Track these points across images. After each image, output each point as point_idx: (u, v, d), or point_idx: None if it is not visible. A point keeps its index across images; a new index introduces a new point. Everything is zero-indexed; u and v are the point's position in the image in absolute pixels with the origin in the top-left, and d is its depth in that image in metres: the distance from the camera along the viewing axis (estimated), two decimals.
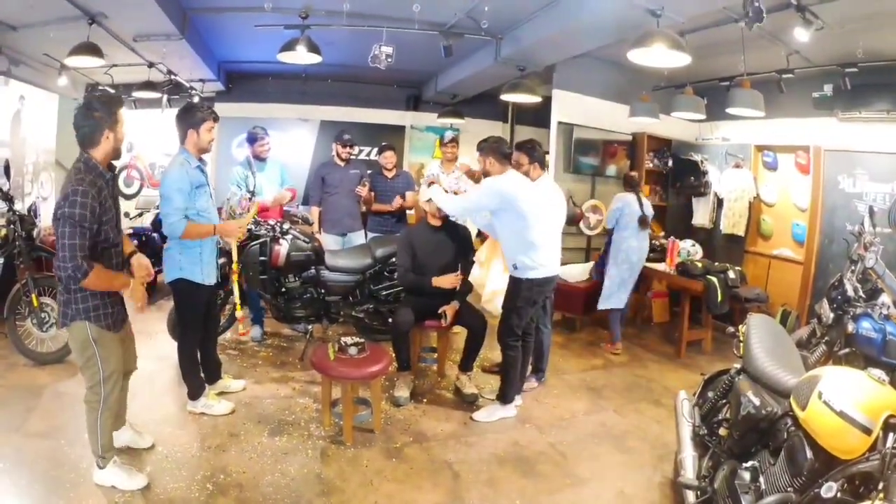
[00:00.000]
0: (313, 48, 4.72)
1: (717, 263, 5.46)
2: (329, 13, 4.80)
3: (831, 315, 3.80)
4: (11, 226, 4.38)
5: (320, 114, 8.67)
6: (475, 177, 4.70)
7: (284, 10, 4.74)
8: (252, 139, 4.96)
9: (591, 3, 4.10)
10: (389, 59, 4.73)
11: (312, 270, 4.66)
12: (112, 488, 2.78)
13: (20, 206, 4.86)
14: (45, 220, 6.22)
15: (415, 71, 7.71)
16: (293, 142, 8.58)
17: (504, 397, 3.86)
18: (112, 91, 6.21)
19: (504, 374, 3.85)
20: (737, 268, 5.39)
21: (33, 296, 4.25)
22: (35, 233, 4.58)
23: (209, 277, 3.47)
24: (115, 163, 2.78)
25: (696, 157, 6.49)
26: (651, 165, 6.77)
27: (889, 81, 4.80)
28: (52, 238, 6.17)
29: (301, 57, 4.78)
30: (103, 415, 2.75)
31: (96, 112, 2.55)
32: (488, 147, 3.79)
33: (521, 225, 3.61)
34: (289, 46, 4.72)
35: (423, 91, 8.89)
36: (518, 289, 3.68)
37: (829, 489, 1.84)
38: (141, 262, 2.83)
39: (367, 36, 5.00)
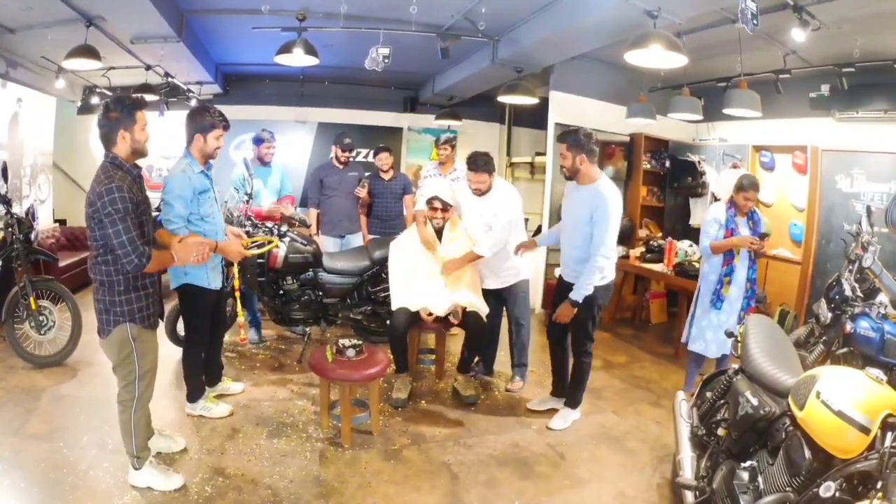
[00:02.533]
0: (310, 50, 4.72)
1: None
2: (326, 15, 4.81)
3: (829, 315, 3.80)
4: (9, 229, 4.37)
5: (318, 116, 8.67)
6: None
7: (282, 12, 4.75)
8: (259, 141, 4.96)
9: (589, 4, 4.10)
10: (387, 61, 4.73)
11: (310, 273, 4.66)
12: (121, 490, 2.79)
13: (18, 209, 4.85)
14: (42, 223, 6.24)
15: (412, 73, 7.71)
16: (291, 144, 8.58)
17: (574, 402, 3.86)
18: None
19: (578, 379, 3.81)
20: None
21: (31, 299, 4.25)
22: (33, 236, 4.56)
23: (214, 282, 3.46)
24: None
25: (694, 158, 6.50)
26: (648, 166, 6.77)
27: (886, 81, 4.81)
28: (49, 241, 6.28)
29: (298, 59, 4.78)
30: (137, 413, 2.78)
31: (112, 112, 2.59)
32: (580, 141, 3.50)
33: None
34: (286, 49, 4.72)
35: (420, 93, 8.89)
36: (594, 296, 3.57)
37: (828, 489, 1.83)
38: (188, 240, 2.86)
39: (364, 38, 5.00)
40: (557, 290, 3.87)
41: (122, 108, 2.59)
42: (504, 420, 3.85)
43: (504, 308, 4.34)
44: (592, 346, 3.77)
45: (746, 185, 4.02)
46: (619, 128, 6.53)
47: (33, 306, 4.26)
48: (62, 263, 5.76)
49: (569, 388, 3.88)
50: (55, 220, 7.48)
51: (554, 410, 3.93)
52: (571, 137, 3.54)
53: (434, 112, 8.53)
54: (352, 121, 8.44)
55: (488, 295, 4.24)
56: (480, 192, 4.07)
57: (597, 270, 3.48)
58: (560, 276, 3.87)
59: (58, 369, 4.23)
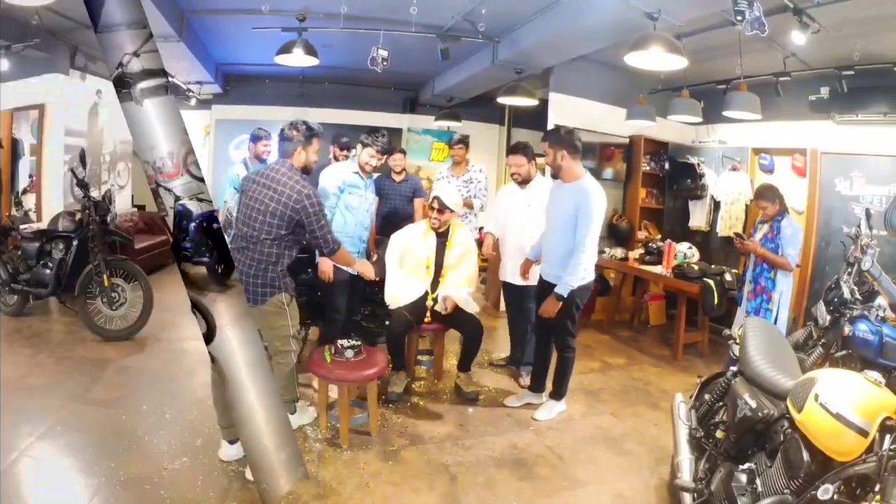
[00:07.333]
0: (310, 51, 4.72)
1: (713, 266, 5.47)
2: (327, 16, 4.81)
3: (828, 317, 3.79)
4: (86, 211, 4.79)
5: (318, 116, 8.66)
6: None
7: (282, 12, 4.75)
8: (255, 138, 4.93)
9: (589, 6, 4.11)
10: (385, 63, 4.73)
11: (308, 273, 4.65)
12: (172, 456, 3.03)
13: (96, 193, 5.25)
14: (120, 208, 6.84)
15: (412, 73, 7.72)
16: None
17: (559, 394, 3.94)
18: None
19: (563, 373, 3.90)
20: (733, 270, 5.39)
21: (105, 276, 4.57)
22: (109, 218, 4.89)
23: None
24: None
25: (693, 160, 6.50)
26: (648, 168, 6.78)
27: (885, 84, 4.81)
28: (127, 224, 6.64)
29: (298, 59, 4.78)
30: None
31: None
32: (561, 138, 3.59)
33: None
34: (286, 49, 4.72)
35: (420, 94, 8.90)
36: (573, 294, 3.64)
37: (826, 491, 1.83)
38: None
39: (364, 38, 5.00)
40: (539, 289, 3.93)
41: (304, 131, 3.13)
42: (502, 421, 3.85)
43: (523, 306, 4.39)
44: (574, 341, 3.87)
45: (754, 195, 4.45)
46: (618, 130, 6.54)
47: (106, 283, 4.60)
48: (138, 246, 6.39)
49: (554, 382, 3.95)
50: (134, 206, 7.97)
51: (531, 405, 4.00)
52: (553, 135, 3.67)
53: (434, 113, 8.53)
54: (352, 121, 8.44)
55: (512, 292, 4.40)
56: (520, 178, 4.16)
57: (580, 265, 3.53)
58: (541, 275, 3.90)
59: (126, 343, 4.53)
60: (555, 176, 3.73)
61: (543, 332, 3.96)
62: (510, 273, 4.35)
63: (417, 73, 7.74)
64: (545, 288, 3.79)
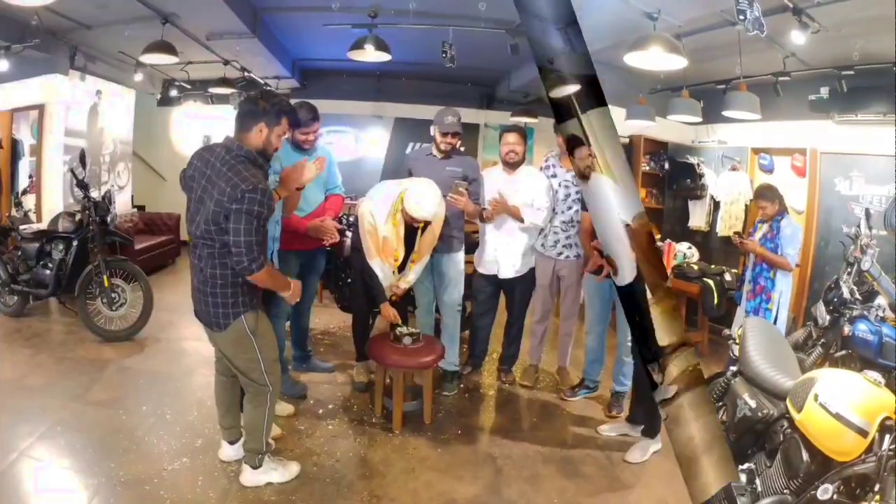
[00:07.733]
0: (382, 46, 4.73)
1: (713, 266, 5.47)
2: (397, 12, 4.80)
3: (828, 317, 3.80)
4: (86, 211, 4.80)
5: (395, 111, 8.67)
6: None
7: (353, 9, 4.78)
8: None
9: (588, 6, 4.09)
10: (451, 65, 4.76)
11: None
12: (172, 456, 3.00)
13: (96, 194, 5.22)
14: (120, 208, 6.83)
15: (486, 69, 7.59)
16: (368, 138, 8.85)
17: (654, 430, 3.33)
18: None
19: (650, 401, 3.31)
20: (733, 270, 5.39)
21: (105, 277, 4.57)
22: (109, 219, 4.89)
23: None
24: None
25: (693, 160, 6.49)
26: (647, 168, 6.77)
27: (885, 84, 4.79)
28: (127, 225, 6.74)
29: (370, 55, 4.84)
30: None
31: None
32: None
33: None
34: (358, 45, 4.78)
35: (496, 89, 8.73)
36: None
37: (826, 491, 1.84)
38: None
39: (435, 34, 5.01)
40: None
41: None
42: (556, 417, 3.83)
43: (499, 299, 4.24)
44: None
45: (754, 194, 4.39)
46: (618, 129, 6.50)
47: (106, 283, 4.60)
48: (138, 246, 6.40)
49: (645, 414, 3.50)
50: (134, 206, 7.96)
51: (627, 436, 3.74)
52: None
53: (511, 109, 8.38)
54: (429, 116, 8.18)
55: (490, 283, 4.10)
56: (516, 157, 3.95)
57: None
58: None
59: (126, 344, 4.53)
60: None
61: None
62: (501, 266, 4.00)
63: (491, 68, 7.55)
64: None
